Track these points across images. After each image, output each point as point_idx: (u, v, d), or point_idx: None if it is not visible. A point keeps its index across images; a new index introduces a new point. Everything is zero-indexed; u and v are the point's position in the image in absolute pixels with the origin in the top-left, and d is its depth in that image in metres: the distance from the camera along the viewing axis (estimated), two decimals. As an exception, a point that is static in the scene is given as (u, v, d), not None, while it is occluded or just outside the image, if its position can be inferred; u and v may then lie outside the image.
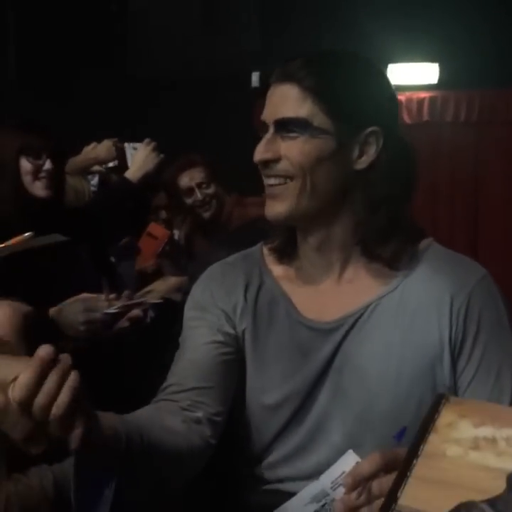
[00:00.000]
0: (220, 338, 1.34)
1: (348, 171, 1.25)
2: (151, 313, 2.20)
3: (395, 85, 4.66)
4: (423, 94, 5.95)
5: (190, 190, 3.38)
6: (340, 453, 1.24)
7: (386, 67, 5.82)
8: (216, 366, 1.33)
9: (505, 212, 5.99)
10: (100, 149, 3.17)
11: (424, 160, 6.06)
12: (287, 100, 1.24)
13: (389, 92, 1.32)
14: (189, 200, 3.40)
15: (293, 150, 1.23)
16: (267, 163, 1.25)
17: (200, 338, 1.35)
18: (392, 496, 0.82)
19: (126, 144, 2.85)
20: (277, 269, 1.38)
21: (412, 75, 5.83)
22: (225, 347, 1.34)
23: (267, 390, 1.33)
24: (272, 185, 1.27)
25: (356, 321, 1.29)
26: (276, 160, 1.25)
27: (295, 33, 5.64)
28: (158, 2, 5.91)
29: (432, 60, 5.77)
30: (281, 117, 1.24)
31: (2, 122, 2.46)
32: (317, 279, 1.33)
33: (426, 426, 0.88)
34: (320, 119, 1.22)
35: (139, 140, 2.93)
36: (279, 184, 1.26)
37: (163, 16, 5.83)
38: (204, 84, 5.63)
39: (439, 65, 5.79)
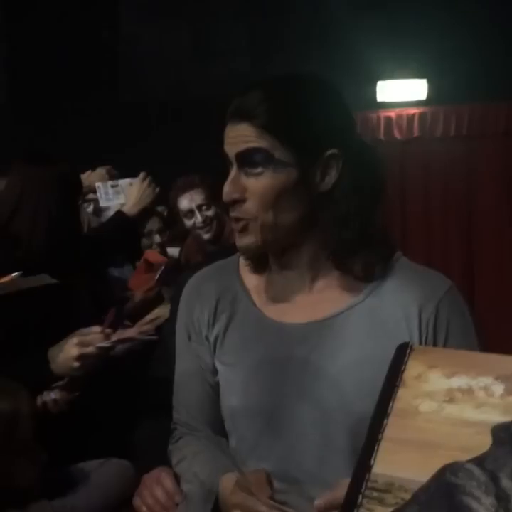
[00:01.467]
0: (205, 366, 1.43)
1: (312, 194, 1.28)
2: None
3: (385, 102, 4.69)
4: (413, 111, 5.99)
5: (190, 212, 3.38)
6: (323, 461, 1.28)
7: (375, 84, 5.88)
8: (208, 398, 1.43)
9: (499, 224, 6.01)
10: (94, 177, 3.19)
11: (416, 175, 6.11)
12: (245, 137, 1.26)
13: (344, 111, 1.33)
14: (189, 223, 3.40)
15: (257, 189, 1.26)
16: (233, 203, 1.28)
17: (190, 370, 1.45)
18: (364, 465, 0.74)
19: (121, 181, 2.85)
20: (251, 279, 1.41)
21: (402, 91, 5.87)
22: (212, 375, 1.42)
23: (235, 394, 1.37)
24: (237, 221, 1.30)
25: (327, 327, 1.31)
26: (243, 200, 1.27)
27: (285, 53, 5.68)
28: (149, 27, 5.95)
29: (421, 77, 5.82)
30: (242, 149, 1.26)
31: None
32: (288, 291, 1.36)
33: (392, 380, 0.81)
34: (280, 153, 1.24)
35: (134, 164, 2.94)
36: (244, 220, 1.29)
37: (154, 40, 5.88)
38: (196, 106, 5.66)
39: (428, 81, 5.84)
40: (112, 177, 3.12)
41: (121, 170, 3.25)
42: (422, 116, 5.98)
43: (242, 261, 1.43)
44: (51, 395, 1.88)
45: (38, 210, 2.19)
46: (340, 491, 1.06)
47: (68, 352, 1.77)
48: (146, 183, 2.72)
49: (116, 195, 2.85)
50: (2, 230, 2.15)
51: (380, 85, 5.87)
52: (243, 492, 1.18)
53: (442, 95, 5.79)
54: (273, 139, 1.24)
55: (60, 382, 1.80)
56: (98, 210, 3.31)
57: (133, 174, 2.86)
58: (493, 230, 6.00)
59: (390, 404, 0.78)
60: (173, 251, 3.53)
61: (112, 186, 2.83)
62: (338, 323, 1.31)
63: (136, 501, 1.47)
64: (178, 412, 1.49)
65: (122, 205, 2.75)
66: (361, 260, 1.30)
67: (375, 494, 0.71)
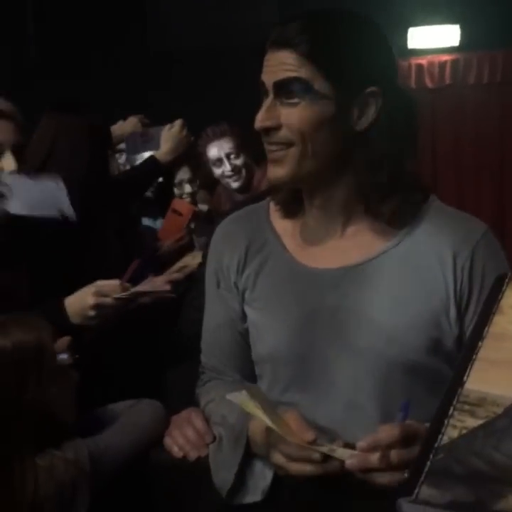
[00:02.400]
0: (234, 314, 1.43)
1: (348, 132, 1.26)
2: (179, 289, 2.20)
3: (416, 49, 4.60)
4: (445, 57, 5.87)
5: (219, 161, 3.35)
6: (351, 406, 1.28)
7: (406, 31, 5.75)
8: (237, 345, 1.44)
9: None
10: (126, 126, 3.16)
11: (447, 124, 6.01)
12: (285, 65, 1.23)
13: (387, 50, 1.30)
14: (218, 171, 3.39)
15: (293, 117, 1.24)
16: (267, 130, 1.26)
17: (219, 317, 1.46)
18: (457, 382, 0.79)
19: (152, 129, 2.81)
20: (282, 224, 1.40)
21: (433, 38, 5.74)
22: (241, 321, 1.43)
23: (266, 340, 1.37)
24: (272, 151, 1.28)
25: (360, 273, 1.30)
26: (277, 128, 1.25)
27: (314, 1, 5.57)
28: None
29: (453, 22, 5.67)
30: (281, 78, 1.24)
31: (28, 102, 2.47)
32: (320, 234, 1.35)
33: (489, 307, 0.86)
34: (319, 84, 1.22)
35: (161, 114, 2.92)
36: (280, 150, 1.27)
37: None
38: (223, 54, 5.61)
39: (460, 27, 5.69)
40: (144, 125, 3.10)
41: (149, 117, 3.23)
42: (454, 63, 5.86)
43: (272, 206, 1.43)
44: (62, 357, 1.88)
45: (71, 155, 2.21)
46: (382, 434, 1.08)
47: (84, 300, 1.76)
48: (184, 130, 2.68)
49: (144, 144, 2.82)
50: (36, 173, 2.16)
51: (411, 32, 5.74)
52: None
53: (475, 41, 5.66)
54: (313, 68, 1.22)
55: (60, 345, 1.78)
56: (130, 160, 3.29)
57: (162, 122, 2.84)
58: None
59: (486, 329, 0.83)
60: (202, 207, 3.51)
61: (142, 135, 2.79)
62: (371, 268, 1.30)
63: (167, 441, 1.49)
64: (206, 357, 1.50)
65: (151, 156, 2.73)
66: (393, 205, 1.29)
67: (467, 407, 0.76)
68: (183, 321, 1.74)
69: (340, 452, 1.13)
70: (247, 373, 1.44)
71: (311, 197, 1.34)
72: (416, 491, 0.72)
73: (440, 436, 0.76)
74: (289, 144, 1.26)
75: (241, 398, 1.18)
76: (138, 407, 1.60)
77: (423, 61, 5.89)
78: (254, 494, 1.30)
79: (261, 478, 1.30)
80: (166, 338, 1.84)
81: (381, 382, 1.27)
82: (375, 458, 1.07)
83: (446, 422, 0.76)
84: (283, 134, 1.25)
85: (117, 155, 3.36)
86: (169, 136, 2.69)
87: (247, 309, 1.41)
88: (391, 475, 1.07)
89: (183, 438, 1.46)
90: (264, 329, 1.38)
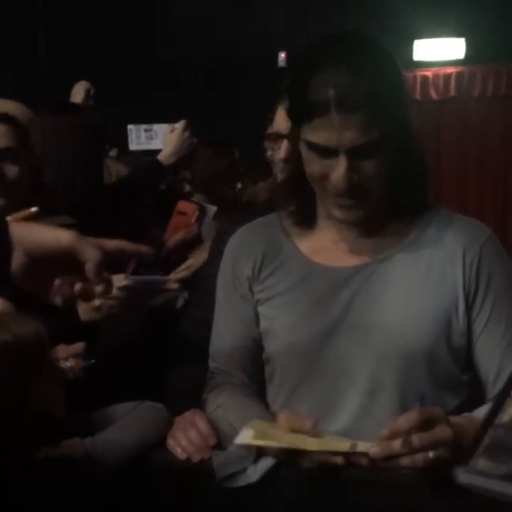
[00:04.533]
0: (248, 319, 1.44)
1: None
2: (184, 297, 2.19)
3: (422, 61, 4.61)
4: (450, 70, 5.89)
5: None
6: (367, 396, 1.31)
7: (412, 43, 5.78)
8: (248, 351, 1.45)
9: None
10: (77, 90, 3.08)
11: (451, 136, 6.02)
12: (356, 129, 1.23)
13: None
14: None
15: (373, 171, 1.26)
16: (351, 189, 1.27)
17: (232, 323, 1.47)
18: (498, 405, 0.84)
19: (156, 125, 2.76)
20: (296, 230, 1.43)
21: (439, 50, 5.77)
22: (255, 326, 1.44)
23: (282, 336, 1.39)
24: (342, 197, 1.29)
25: (373, 271, 1.35)
26: (359, 183, 1.27)
27: (321, 12, 5.60)
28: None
29: (458, 35, 5.70)
30: (359, 142, 1.23)
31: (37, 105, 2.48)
32: (335, 237, 1.39)
33: None
34: (385, 130, 1.24)
35: (168, 121, 2.90)
36: (354, 197, 1.29)
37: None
38: (232, 65, 5.63)
39: (466, 40, 5.72)
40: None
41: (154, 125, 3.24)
42: (459, 75, 5.89)
43: (283, 215, 1.45)
44: (66, 364, 1.88)
45: (60, 154, 2.19)
46: (402, 421, 1.10)
47: None
48: (187, 132, 2.67)
49: (149, 140, 2.78)
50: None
51: (416, 44, 5.77)
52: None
53: (480, 54, 5.68)
54: (383, 125, 1.23)
55: (73, 351, 1.78)
56: (124, 154, 3.25)
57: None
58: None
59: None
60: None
61: (146, 130, 2.74)
62: (384, 266, 1.35)
63: (170, 443, 1.49)
64: (216, 361, 1.50)
65: (155, 151, 2.69)
66: (413, 200, 1.37)
67: None
68: (186, 321, 1.74)
69: (361, 446, 1.14)
70: (256, 377, 1.46)
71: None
72: (473, 461, 0.77)
73: (501, 414, 0.81)
74: (365, 192, 1.28)
75: (247, 437, 1.20)
76: (140, 409, 1.60)
77: (428, 73, 5.92)
78: (252, 476, 1.30)
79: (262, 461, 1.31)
80: (169, 338, 1.84)
81: (395, 374, 1.30)
82: (397, 443, 1.09)
83: (507, 401, 0.81)
84: (361, 185, 1.27)
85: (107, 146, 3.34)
86: (172, 138, 2.66)
87: (263, 309, 1.43)
88: (412, 457, 1.08)
89: (186, 440, 1.46)
90: (280, 325, 1.40)
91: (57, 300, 0.94)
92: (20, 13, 5.39)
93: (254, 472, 1.29)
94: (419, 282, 1.34)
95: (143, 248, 0.97)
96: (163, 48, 5.89)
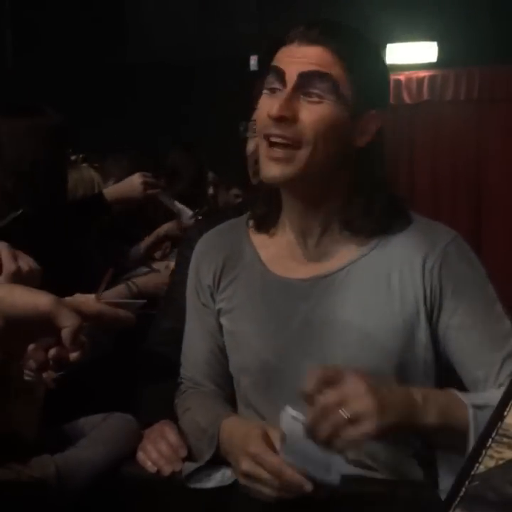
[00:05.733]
0: (212, 328, 1.42)
1: (350, 146, 1.26)
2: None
3: (395, 65, 4.62)
4: (422, 74, 5.91)
5: None
6: None
7: (385, 47, 5.79)
8: (215, 359, 1.43)
9: (508, 190, 5.96)
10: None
11: (425, 139, 6.05)
12: (316, 59, 1.20)
13: (389, 75, 1.34)
14: None
15: (313, 115, 1.20)
16: (281, 120, 1.20)
17: (198, 331, 1.45)
18: (498, 414, 0.81)
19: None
20: (260, 237, 1.39)
21: (411, 54, 5.79)
22: (219, 334, 1.42)
23: (241, 351, 1.37)
24: (273, 146, 1.23)
25: (331, 282, 1.30)
26: (293, 120, 1.20)
27: (293, 15, 5.59)
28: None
29: (431, 39, 5.72)
30: (310, 70, 1.20)
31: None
32: (295, 246, 1.35)
33: None
34: (344, 87, 1.21)
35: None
36: (287, 148, 1.22)
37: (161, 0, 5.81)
38: (203, 68, 5.61)
39: (438, 44, 5.74)
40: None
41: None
42: (431, 79, 5.91)
43: (250, 219, 1.43)
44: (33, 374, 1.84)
45: (16, 155, 2.13)
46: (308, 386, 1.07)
47: None
48: (140, 180, 2.54)
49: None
50: None
51: (389, 48, 5.78)
52: (265, 444, 1.15)
53: (453, 58, 5.71)
54: (343, 69, 1.21)
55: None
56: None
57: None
58: (503, 195, 5.94)
59: None
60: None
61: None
62: (341, 277, 1.31)
63: (141, 456, 1.46)
64: (185, 369, 1.49)
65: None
66: (371, 222, 1.30)
67: (506, 440, 0.80)
68: (153, 332, 1.71)
69: None
70: (225, 385, 1.44)
71: (296, 202, 1.33)
72: None
73: (477, 465, 0.79)
74: (297, 144, 1.21)
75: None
76: (110, 421, 1.57)
77: (401, 77, 5.93)
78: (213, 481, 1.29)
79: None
80: (138, 349, 1.81)
81: None
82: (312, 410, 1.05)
83: (484, 452, 0.79)
84: (297, 130, 1.21)
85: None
86: (128, 179, 2.61)
87: (223, 321, 1.41)
88: (327, 421, 1.03)
89: (156, 452, 1.43)
90: (239, 340, 1.38)
91: (31, 364, 0.92)
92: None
93: (224, 478, 1.27)
94: (379, 293, 1.29)
95: (122, 313, 0.94)
96: (132, 51, 5.86)
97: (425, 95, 5.95)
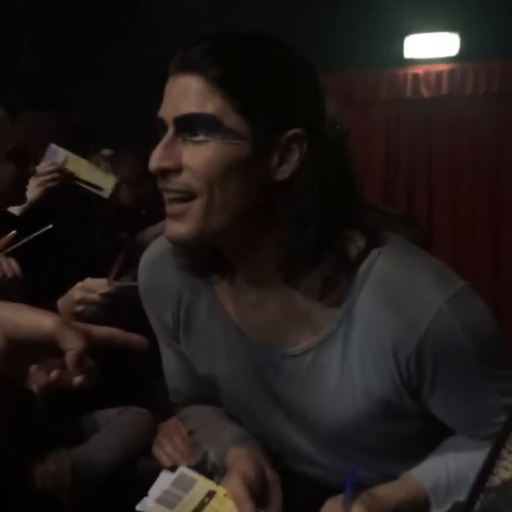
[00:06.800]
0: (184, 357, 1.33)
1: (266, 182, 1.04)
2: None
3: (413, 59, 4.56)
4: (441, 67, 5.84)
5: None
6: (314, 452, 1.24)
7: (403, 40, 5.73)
8: (199, 382, 1.34)
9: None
10: None
11: (443, 134, 5.99)
12: (190, 94, 1.01)
13: (315, 87, 1.09)
14: None
15: (197, 158, 1.01)
16: (165, 173, 1.03)
17: (173, 360, 1.37)
18: (510, 426, 0.80)
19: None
20: (215, 277, 1.21)
21: (431, 47, 5.70)
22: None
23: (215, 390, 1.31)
24: (171, 202, 1.05)
25: (300, 364, 1.15)
26: (177, 170, 1.03)
27: (311, 8, 5.56)
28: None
29: (451, 31, 5.64)
30: (183, 114, 1.02)
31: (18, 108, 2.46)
32: (253, 298, 1.16)
33: None
34: (231, 119, 1.01)
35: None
36: (181, 201, 1.04)
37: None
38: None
39: (460, 35, 5.65)
40: None
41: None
42: (451, 73, 5.83)
43: None
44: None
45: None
46: None
47: (71, 295, 1.74)
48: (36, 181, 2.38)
49: None
50: None
51: (407, 41, 5.71)
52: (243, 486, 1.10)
53: (472, 51, 5.63)
54: (224, 99, 1.00)
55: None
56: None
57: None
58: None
59: None
60: None
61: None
62: (311, 358, 1.14)
63: (156, 450, 1.45)
64: (173, 396, 1.44)
65: None
66: (320, 276, 1.07)
67: None
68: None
69: None
70: (216, 400, 1.37)
71: (231, 258, 1.14)
72: None
73: (491, 476, 0.77)
74: (190, 195, 1.03)
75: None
76: (125, 415, 1.57)
77: (419, 71, 5.87)
78: None
79: None
80: (154, 343, 1.80)
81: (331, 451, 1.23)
82: None
83: (497, 463, 0.77)
84: (183, 179, 1.03)
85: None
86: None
87: (190, 360, 1.32)
88: None
89: (171, 447, 1.42)
90: (207, 381, 1.31)
91: (33, 387, 0.89)
92: (2, 10, 5.35)
93: None
94: (353, 379, 1.11)
95: (135, 338, 0.91)
96: (149, 47, 5.85)
97: (444, 89, 5.88)
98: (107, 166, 3.28)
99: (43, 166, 2.34)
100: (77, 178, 2.39)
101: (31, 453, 1.41)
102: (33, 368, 0.88)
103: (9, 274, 1.64)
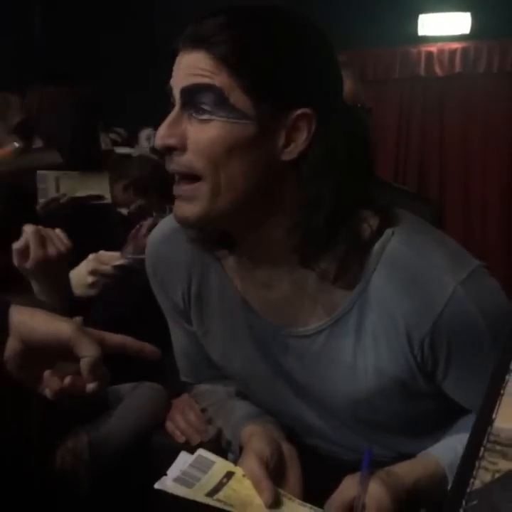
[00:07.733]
0: (195, 336, 1.29)
1: (273, 163, 1.00)
2: None
3: (427, 36, 4.52)
4: (455, 45, 5.80)
5: None
6: (328, 427, 1.24)
7: (417, 17, 5.69)
8: (209, 362, 1.30)
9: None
10: None
11: (456, 112, 5.96)
12: (197, 69, 0.99)
13: (328, 60, 1.04)
14: None
15: (202, 138, 0.98)
16: (169, 150, 1.01)
17: (183, 339, 1.32)
18: (485, 419, 0.71)
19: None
20: (223, 253, 1.17)
21: (444, 25, 5.68)
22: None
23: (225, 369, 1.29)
24: (178, 182, 1.03)
25: (313, 343, 1.13)
26: (181, 148, 1.00)
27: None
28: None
29: (464, 9, 5.61)
30: (190, 84, 0.99)
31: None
32: (263, 276, 1.14)
33: None
34: (237, 97, 0.97)
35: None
36: (186, 182, 1.02)
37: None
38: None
39: (471, 15, 5.63)
40: None
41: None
42: (464, 51, 5.79)
43: None
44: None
45: (56, 125, 2.22)
46: (347, 491, 1.04)
47: (84, 266, 1.72)
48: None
49: None
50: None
51: (421, 19, 5.68)
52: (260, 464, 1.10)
53: (486, 29, 5.59)
54: (231, 76, 0.97)
55: None
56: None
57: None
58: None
59: None
60: None
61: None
62: (325, 338, 1.12)
63: (169, 426, 1.47)
64: (185, 376, 1.39)
65: None
66: (335, 257, 1.04)
67: (498, 448, 0.70)
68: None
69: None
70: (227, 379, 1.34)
71: (240, 239, 1.11)
72: None
73: (472, 480, 0.70)
74: (195, 178, 1.00)
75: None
76: (140, 390, 1.58)
77: (433, 48, 5.83)
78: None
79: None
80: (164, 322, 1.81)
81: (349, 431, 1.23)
82: None
83: (477, 464, 0.70)
84: (187, 160, 1.00)
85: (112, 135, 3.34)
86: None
87: (203, 342, 1.28)
88: None
89: (185, 422, 1.43)
90: (218, 360, 1.28)
91: (47, 393, 0.90)
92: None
93: None
94: (367, 359, 1.10)
95: (147, 347, 0.92)
96: (161, 34, 5.82)
97: (457, 68, 5.84)
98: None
99: (41, 204, 2.29)
100: (76, 198, 2.30)
101: (55, 432, 1.43)
102: (47, 373, 0.89)
103: (62, 249, 1.59)
